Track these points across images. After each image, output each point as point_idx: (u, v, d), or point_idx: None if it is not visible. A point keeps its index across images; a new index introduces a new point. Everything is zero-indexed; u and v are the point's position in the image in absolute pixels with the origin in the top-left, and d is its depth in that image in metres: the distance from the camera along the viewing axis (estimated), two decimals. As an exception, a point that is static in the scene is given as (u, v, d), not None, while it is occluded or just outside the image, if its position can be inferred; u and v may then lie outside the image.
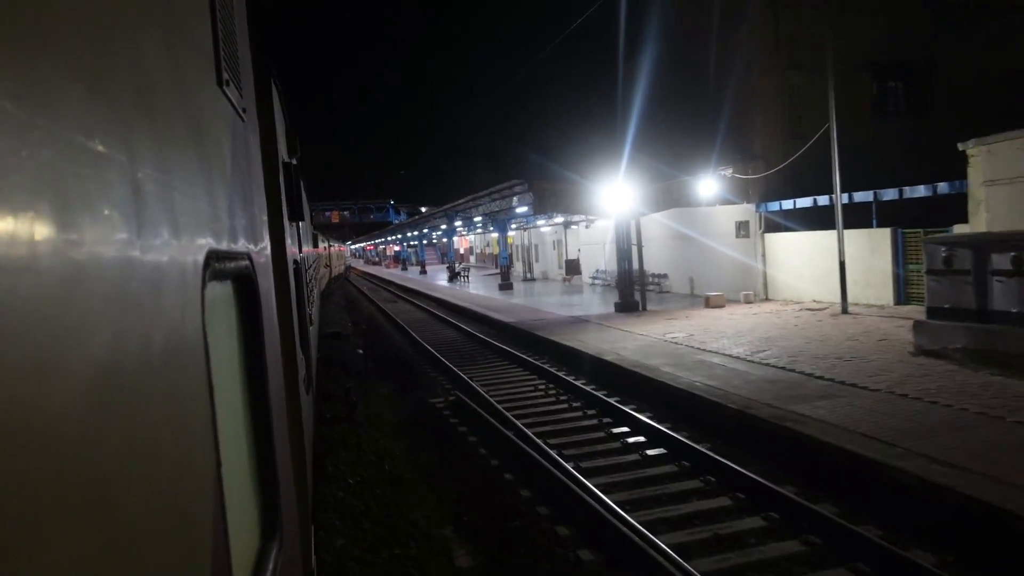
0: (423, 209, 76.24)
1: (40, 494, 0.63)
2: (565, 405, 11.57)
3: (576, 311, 22.54)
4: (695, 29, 23.32)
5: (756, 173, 21.33)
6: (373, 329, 25.22)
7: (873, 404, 8.89)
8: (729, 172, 21.11)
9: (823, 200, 18.82)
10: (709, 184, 20.73)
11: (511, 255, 55.72)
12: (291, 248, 4.07)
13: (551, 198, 19.88)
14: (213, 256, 1.48)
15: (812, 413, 8.63)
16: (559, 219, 34.04)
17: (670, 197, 20.93)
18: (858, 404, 8.96)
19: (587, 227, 31.15)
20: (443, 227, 41.68)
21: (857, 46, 20.98)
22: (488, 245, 69.77)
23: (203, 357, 1.33)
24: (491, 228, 45.30)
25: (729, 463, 7.76)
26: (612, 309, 21.81)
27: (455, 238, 73.57)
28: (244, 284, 2.06)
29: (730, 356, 12.86)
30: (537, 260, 45.18)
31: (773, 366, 11.70)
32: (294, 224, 4.74)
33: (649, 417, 10.23)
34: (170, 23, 1.37)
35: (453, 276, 46.29)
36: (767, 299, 21.71)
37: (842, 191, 18.59)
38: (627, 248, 20.90)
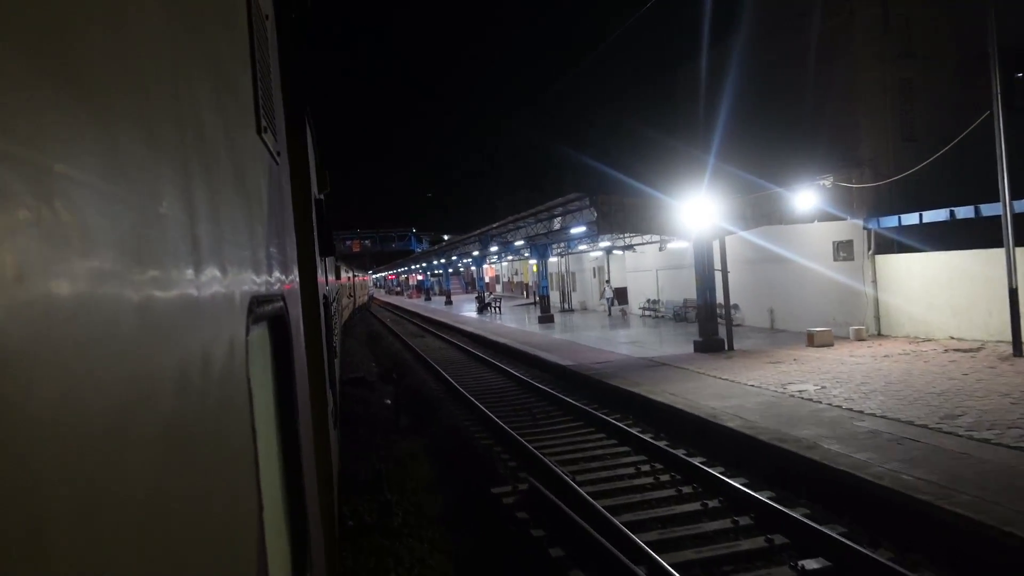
0: (446, 237, 73.50)
1: (101, 524, 0.67)
2: (697, 505, 7.92)
3: (643, 350, 18.90)
4: (786, 15, 19.95)
5: (862, 182, 17.73)
6: (401, 370, 21.77)
7: None
8: (829, 182, 17.53)
9: (963, 211, 15.12)
10: (807, 197, 17.16)
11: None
12: (321, 283, 4.05)
13: (618, 215, 16.48)
14: (255, 302, 1.57)
15: None
16: (604, 243, 30.57)
17: (759, 213, 17.38)
18: None
19: (660, 249, 27.43)
20: (475, 253, 38.40)
21: (980, 31, 17.47)
22: (517, 273, 66.44)
23: (247, 402, 1.41)
24: (525, 254, 42.05)
25: None
26: (687, 348, 18.20)
27: (474, 265, 70.54)
28: (278, 324, 2.12)
29: (912, 425, 9.15)
30: (575, 289, 41.65)
31: (1006, 446, 7.98)
32: (323, 259, 4.65)
33: (843, 535, 6.58)
34: (218, 81, 1.45)
35: (483, 307, 42.89)
36: (880, 335, 17.91)
37: (966, 202, 14.95)
38: (709, 274, 17.33)
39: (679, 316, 27.54)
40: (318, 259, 3.89)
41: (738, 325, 24.08)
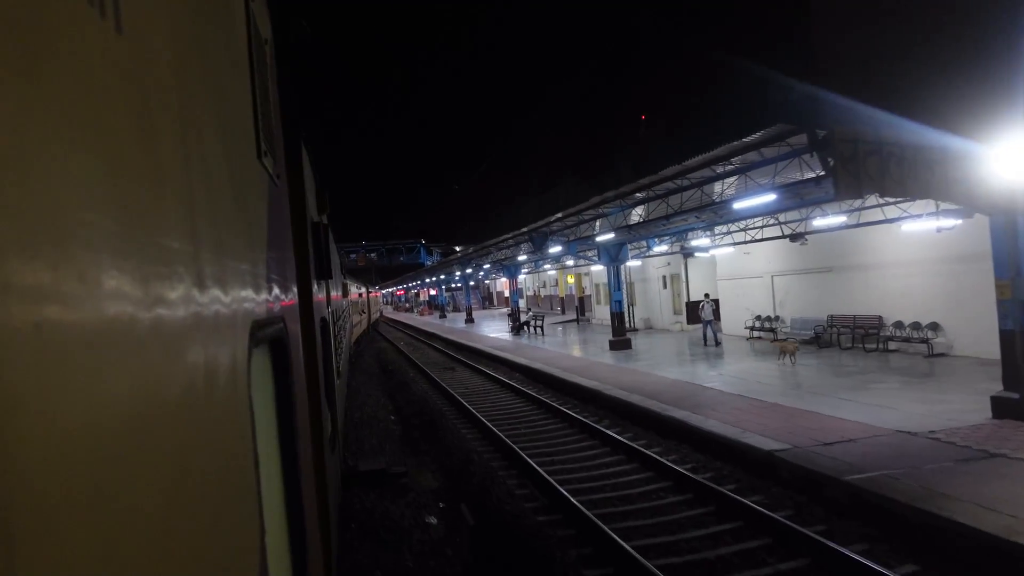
0: (457, 249, 65.95)
1: (103, 544, 0.67)
2: None
3: (870, 410, 10.88)
4: None
5: None
6: (431, 430, 13.85)
7: None
8: None
9: None
10: None
11: (585, 298, 44.29)
12: (319, 306, 3.99)
13: (869, 162, 8.60)
14: (256, 326, 1.58)
15: None
16: (700, 239, 22.64)
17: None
18: None
19: (943, 227, 18.95)
20: (522, 257, 30.44)
21: None
22: (544, 286, 58.51)
23: (249, 426, 1.40)
24: (583, 258, 34.29)
25: None
26: (939, 398, 10.26)
27: (502, 277, 62.72)
28: (278, 347, 2.14)
29: None
30: (634, 303, 33.62)
31: None
32: (322, 281, 4.58)
33: None
34: (220, 105, 1.45)
35: (519, 326, 34.88)
36: None
37: None
38: (1033, 274, 9.33)
39: (824, 341, 19.47)
40: (315, 282, 3.78)
41: (941, 355, 16.08)
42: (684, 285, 28.56)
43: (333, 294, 7.85)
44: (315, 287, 3.76)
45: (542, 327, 33.38)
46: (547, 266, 40.55)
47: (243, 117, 1.76)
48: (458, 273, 45.65)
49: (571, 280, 47.55)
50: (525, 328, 34.60)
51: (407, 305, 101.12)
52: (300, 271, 3.11)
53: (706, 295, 21.65)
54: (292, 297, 2.64)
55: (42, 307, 0.59)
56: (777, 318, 22.17)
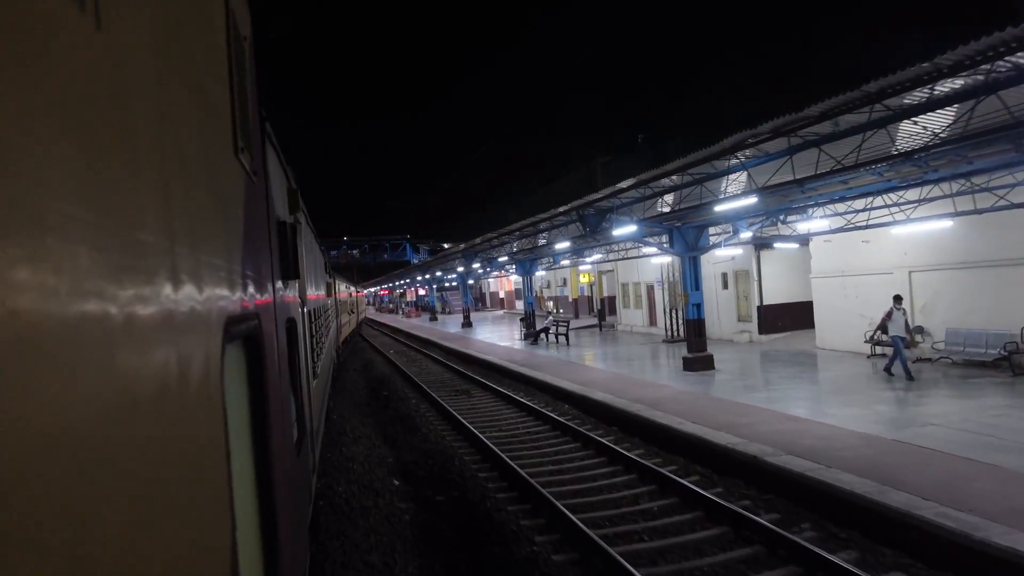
0: (446, 245, 59.73)
1: (76, 533, 0.66)
2: None
3: None
4: None
5: None
6: (467, 516, 7.75)
7: None
8: None
9: None
10: None
11: (606, 300, 38.24)
12: (284, 306, 3.93)
13: None
14: (230, 321, 1.58)
15: None
16: (815, 219, 16.62)
17: None
18: None
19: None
20: (561, 244, 24.15)
21: None
22: (548, 286, 52.34)
23: (222, 417, 1.38)
24: (648, 243, 28.29)
25: None
26: None
27: (511, 275, 56.56)
28: (252, 343, 2.13)
29: None
30: (676, 307, 27.52)
31: None
32: (290, 282, 4.56)
33: None
34: (197, 101, 1.44)
35: (535, 334, 28.71)
36: None
37: None
38: None
39: (1017, 364, 13.53)
40: (280, 282, 3.70)
41: None
42: (755, 285, 22.59)
43: (312, 293, 7.39)
44: (281, 287, 3.65)
45: (567, 335, 27.19)
46: (565, 261, 34.44)
47: (221, 112, 1.76)
48: (460, 268, 39.34)
49: (585, 279, 41.51)
50: (543, 336, 28.43)
51: (391, 306, 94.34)
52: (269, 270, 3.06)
53: (897, 298, 14.49)
54: (268, 292, 2.58)
55: (13, 298, 0.58)
56: (920, 329, 16.24)
